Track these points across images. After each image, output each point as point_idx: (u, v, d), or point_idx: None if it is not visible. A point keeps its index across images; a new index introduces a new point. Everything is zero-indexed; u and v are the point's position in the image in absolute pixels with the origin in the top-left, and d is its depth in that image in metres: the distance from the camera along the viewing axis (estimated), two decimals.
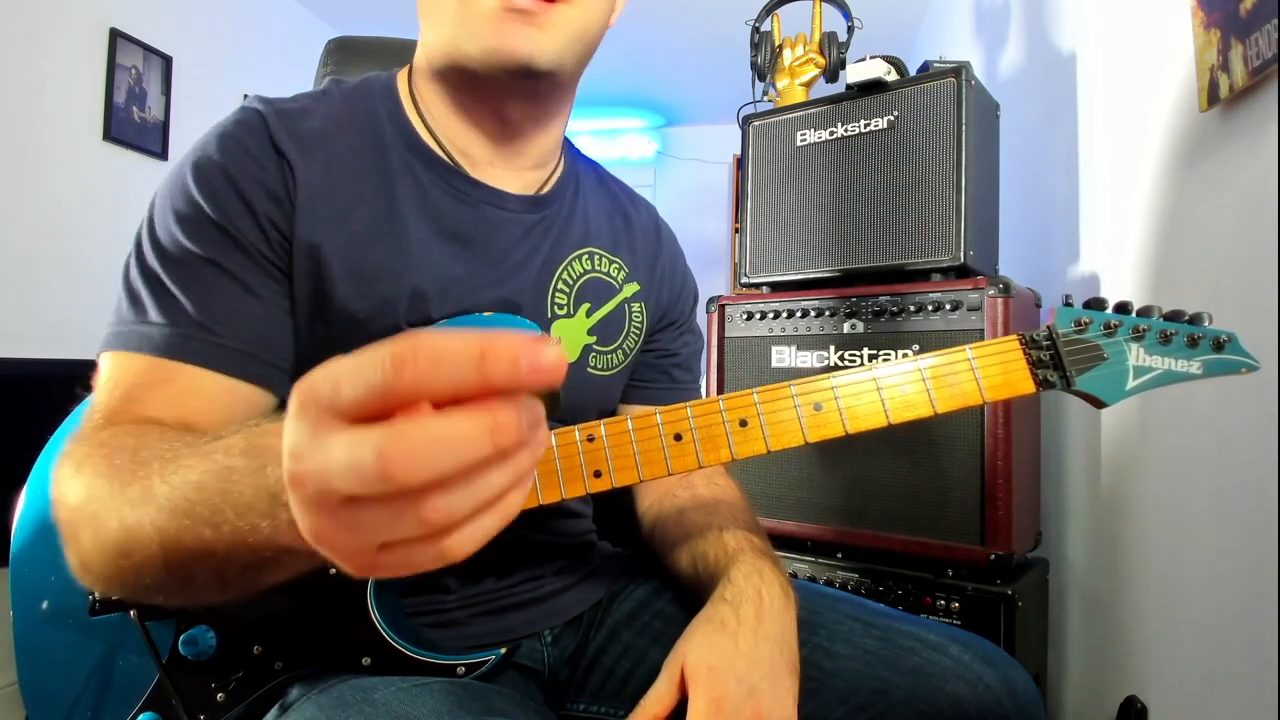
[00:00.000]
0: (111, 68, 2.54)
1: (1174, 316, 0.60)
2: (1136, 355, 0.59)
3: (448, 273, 0.67)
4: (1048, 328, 0.60)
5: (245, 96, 0.67)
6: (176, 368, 0.56)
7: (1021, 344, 0.59)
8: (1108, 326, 0.59)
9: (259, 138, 0.62)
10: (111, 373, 0.57)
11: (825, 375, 0.59)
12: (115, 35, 2.55)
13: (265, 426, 0.44)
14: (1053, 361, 0.59)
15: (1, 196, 2.19)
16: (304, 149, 0.63)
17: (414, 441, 0.26)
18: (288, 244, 0.61)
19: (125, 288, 0.60)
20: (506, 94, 0.67)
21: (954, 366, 0.59)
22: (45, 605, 0.64)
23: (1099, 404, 0.60)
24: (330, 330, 0.63)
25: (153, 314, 0.57)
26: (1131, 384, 0.59)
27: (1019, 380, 0.59)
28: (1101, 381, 0.59)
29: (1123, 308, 0.60)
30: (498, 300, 0.68)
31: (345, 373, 0.27)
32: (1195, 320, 0.59)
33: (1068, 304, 0.61)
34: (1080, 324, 0.59)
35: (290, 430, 0.29)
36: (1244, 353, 0.59)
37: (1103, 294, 0.96)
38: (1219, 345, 0.59)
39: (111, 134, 2.54)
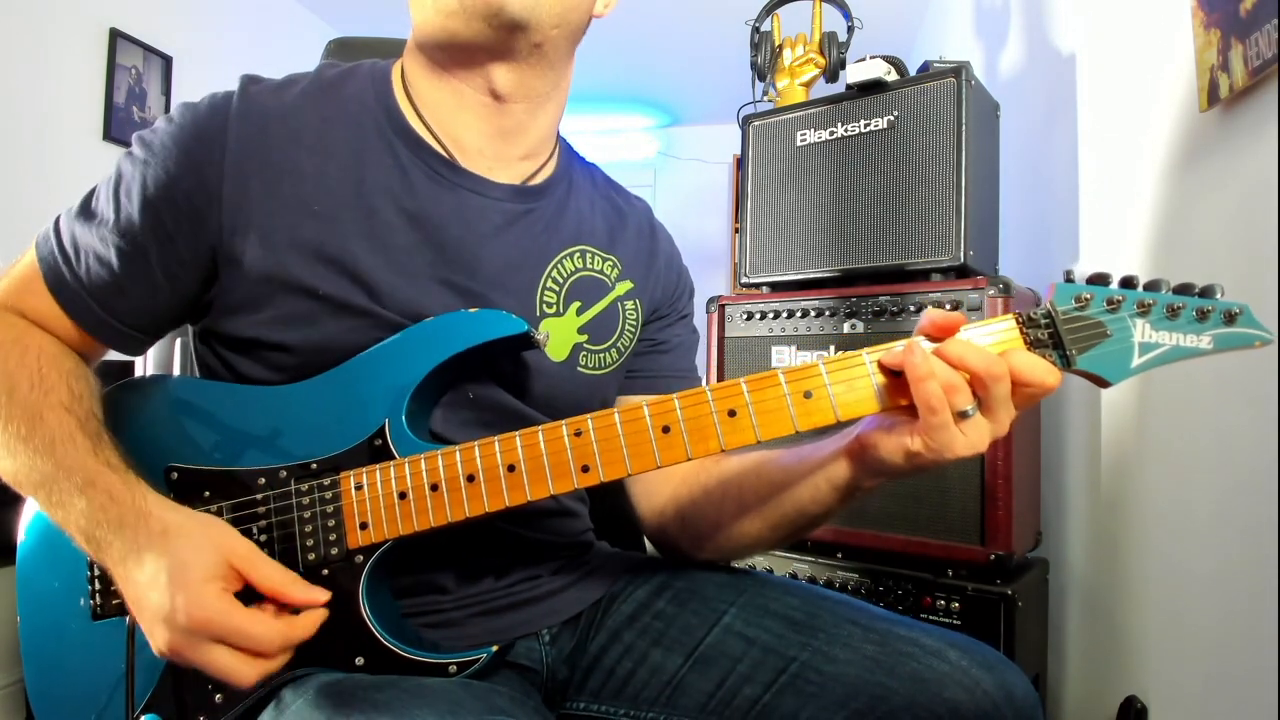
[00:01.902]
0: (111, 68, 2.54)
1: (1183, 290, 0.56)
2: (1142, 331, 0.56)
3: (415, 254, 0.67)
4: (1047, 305, 0.57)
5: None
6: (50, 296, 0.67)
7: (1019, 323, 0.57)
8: (1110, 302, 0.56)
9: (211, 131, 0.64)
10: (27, 259, 0.69)
11: (815, 362, 0.58)
12: (115, 35, 2.55)
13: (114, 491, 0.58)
14: (1052, 340, 0.56)
15: (1, 196, 2.19)
16: (264, 129, 0.65)
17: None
18: (212, 241, 0.65)
19: (98, 189, 0.67)
20: (489, 57, 0.67)
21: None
22: (82, 602, 0.66)
23: (1103, 383, 0.57)
24: (290, 304, 0.64)
25: (66, 238, 0.67)
26: (1137, 361, 0.56)
27: None
28: (1104, 360, 0.56)
29: (1128, 282, 0.57)
30: (467, 289, 0.68)
31: (263, 580, 0.57)
32: (1206, 293, 0.55)
33: (1069, 280, 0.57)
34: (1081, 300, 0.56)
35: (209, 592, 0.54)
36: (1258, 325, 0.55)
37: None
38: (1230, 318, 0.55)
39: (111, 134, 2.54)
